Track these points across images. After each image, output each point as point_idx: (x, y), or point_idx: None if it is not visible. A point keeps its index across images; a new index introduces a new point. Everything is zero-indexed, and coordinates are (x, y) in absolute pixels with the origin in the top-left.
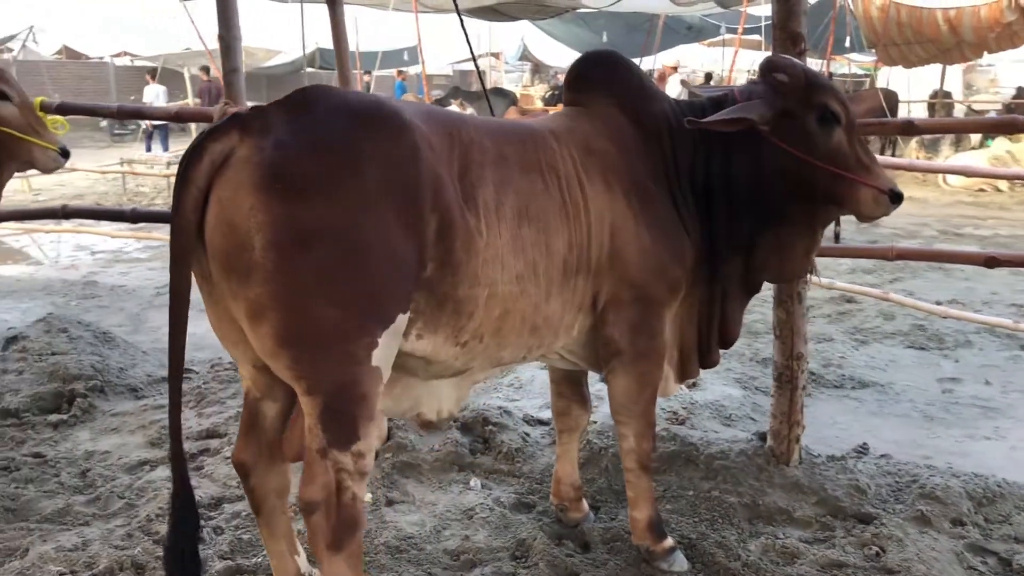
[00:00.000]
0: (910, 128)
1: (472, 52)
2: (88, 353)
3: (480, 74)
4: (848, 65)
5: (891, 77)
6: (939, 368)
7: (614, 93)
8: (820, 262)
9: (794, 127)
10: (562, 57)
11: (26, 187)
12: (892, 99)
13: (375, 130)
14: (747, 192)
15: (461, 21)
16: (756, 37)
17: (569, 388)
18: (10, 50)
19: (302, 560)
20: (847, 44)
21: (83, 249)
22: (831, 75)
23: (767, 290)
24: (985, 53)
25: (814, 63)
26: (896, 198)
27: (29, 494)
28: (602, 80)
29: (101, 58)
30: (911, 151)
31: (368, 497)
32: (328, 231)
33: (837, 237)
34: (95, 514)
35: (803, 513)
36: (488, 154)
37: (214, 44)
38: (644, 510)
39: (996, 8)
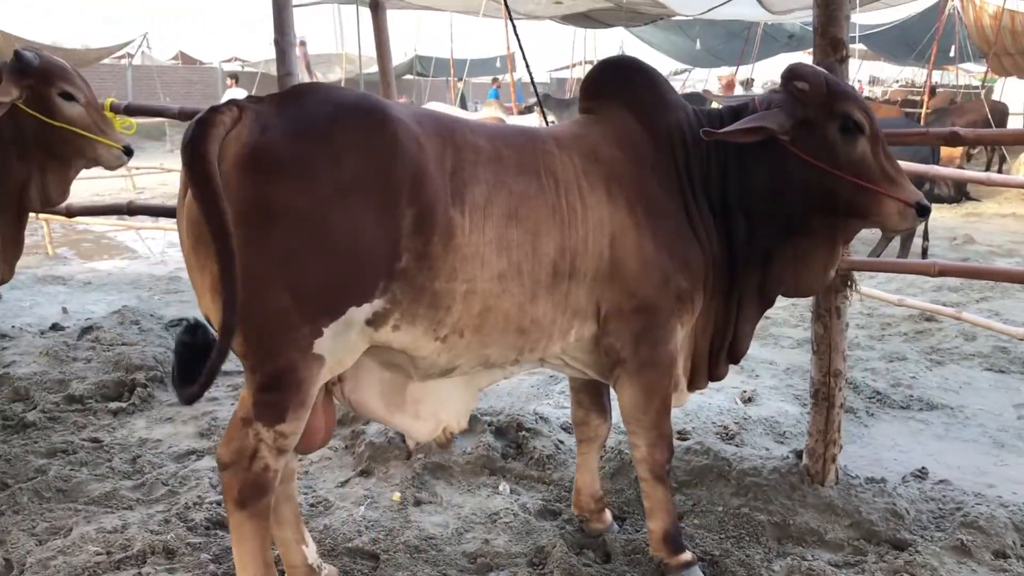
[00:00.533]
0: (955, 139)
1: (525, 57)
2: (155, 345)
3: (533, 81)
4: (956, 74)
5: (1007, 89)
6: (1018, 393)
7: (627, 101)
8: (903, 279)
9: (815, 137)
10: (660, 64)
11: (131, 185)
12: (1001, 112)
13: (356, 123)
14: (765, 203)
15: (514, 27)
16: (860, 46)
17: (588, 398)
18: (130, 55)
19: (310, 550)
20: (951, 54)
21: (174, 246)
22: (935, 88)
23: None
24: None
25: (917, 72)
26: (923, 211)
27: (81, 476)
28: (616, 87)
29: (211, 63)
30: (1020, 166)
31: (396, 496)
32: (294, 215)
33: (925, 252)
34: (139, 499)
35: (834, 536)
36: (483, 155)
37: (315, 50)
38: (659, 521)
39: None
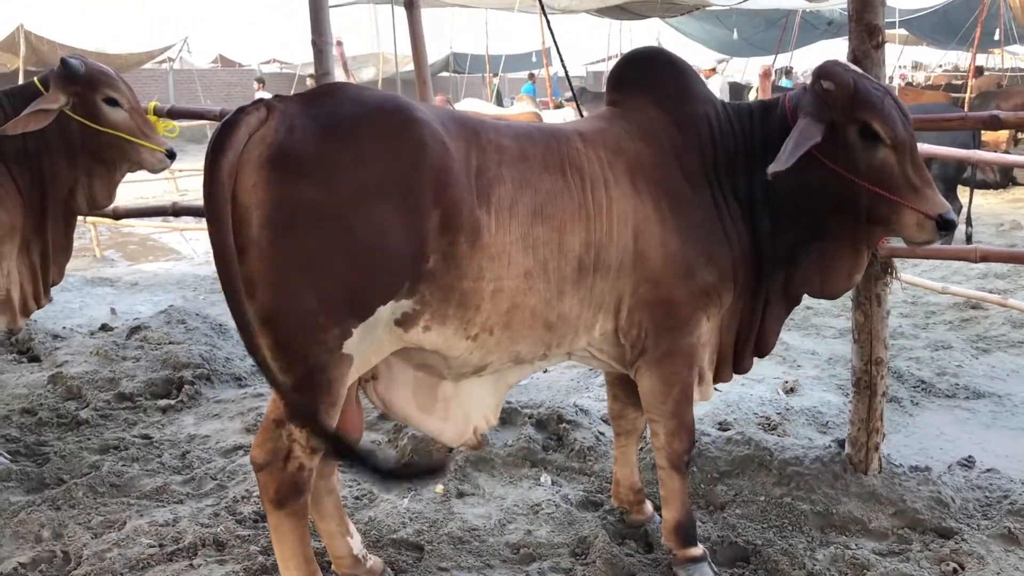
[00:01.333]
0: (995, 123)
1: (560, 52)
2: (201, 343)
3: (568, 76)
4: (1001, 57)
5: None
6: None
7: (652, 93)
8: (948, 267)
9: (836, 140)
10: (698, 56)
11: (174, 188)
12: None
13: (382, 124)
14: (787, 203)
15: (547, 21)
16: (901, 31)
17: (624, 391)
18: (171, 59)
19: (355, 541)
20: (996, 37)
21: None
22: (981, 69)
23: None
24: None
25: (961, 56)
26: (945, 225)
27: (133, 472)
28: (640, 80)
29: (250, 65)
30: None
31: (439, 488)
32: (319, 216)
33: (969, 239)
34: (189, 493)
35: (878, 524)
36: (507, 154)
37: (354, 50)
38: (673, 511)
39: None
